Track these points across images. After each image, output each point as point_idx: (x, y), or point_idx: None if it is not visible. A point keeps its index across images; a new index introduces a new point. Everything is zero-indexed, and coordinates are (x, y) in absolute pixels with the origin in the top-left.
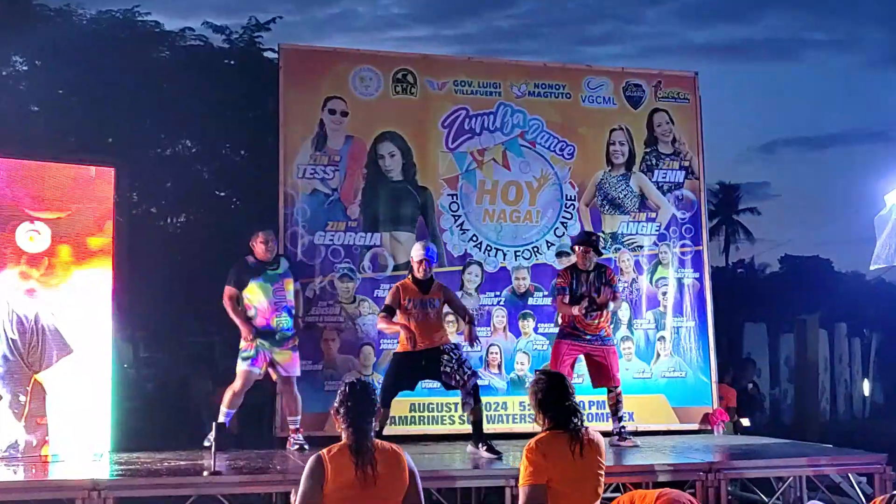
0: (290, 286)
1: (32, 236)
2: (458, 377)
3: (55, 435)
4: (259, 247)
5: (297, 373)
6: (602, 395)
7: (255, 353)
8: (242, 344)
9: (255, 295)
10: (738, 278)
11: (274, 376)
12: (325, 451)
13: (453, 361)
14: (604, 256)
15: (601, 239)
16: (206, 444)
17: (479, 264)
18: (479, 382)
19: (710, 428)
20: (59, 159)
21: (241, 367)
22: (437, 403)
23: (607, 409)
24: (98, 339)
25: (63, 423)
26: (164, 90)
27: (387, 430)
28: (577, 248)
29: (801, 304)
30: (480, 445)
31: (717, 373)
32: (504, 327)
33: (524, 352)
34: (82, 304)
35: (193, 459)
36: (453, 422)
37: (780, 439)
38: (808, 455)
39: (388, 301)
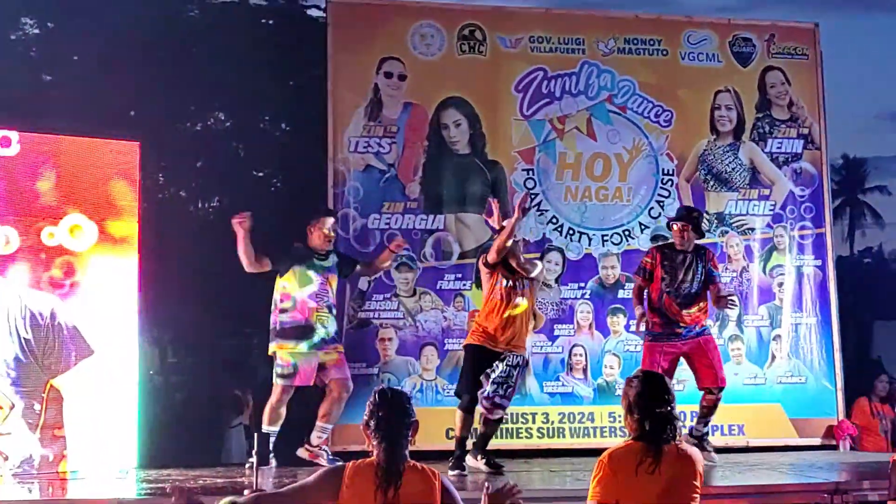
0: (334, 283)
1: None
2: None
3: (74, 449)
4: (318, 233)
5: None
6: None
7: (294, 370)
8: (278, 358)
9: (294, 284)
10: (865, 268)
11: (326, 380)
12: (350, 463)
13: (503, 372)
14: (708, 241)
15: (703, 216)
16: (248, 464)
17: (561, 251)
18: (561, 389)
19: (834, 443)
20: (77, 133)
21: (278, 382)
22: (511, 413)
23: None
24: (123, 340)
25: (83, 436)
26: (193, 55)
27: (443, 446)
28: (674, 225)
29: None
30: (479, 457)
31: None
32: (590, 325)
33: (614, 353)
34: (105, 300)
35: (231, 477)
36: (531, 435)
37: None
38: None
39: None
